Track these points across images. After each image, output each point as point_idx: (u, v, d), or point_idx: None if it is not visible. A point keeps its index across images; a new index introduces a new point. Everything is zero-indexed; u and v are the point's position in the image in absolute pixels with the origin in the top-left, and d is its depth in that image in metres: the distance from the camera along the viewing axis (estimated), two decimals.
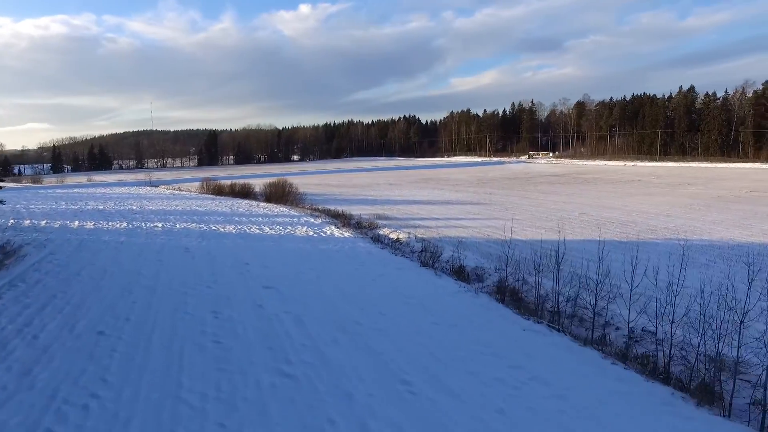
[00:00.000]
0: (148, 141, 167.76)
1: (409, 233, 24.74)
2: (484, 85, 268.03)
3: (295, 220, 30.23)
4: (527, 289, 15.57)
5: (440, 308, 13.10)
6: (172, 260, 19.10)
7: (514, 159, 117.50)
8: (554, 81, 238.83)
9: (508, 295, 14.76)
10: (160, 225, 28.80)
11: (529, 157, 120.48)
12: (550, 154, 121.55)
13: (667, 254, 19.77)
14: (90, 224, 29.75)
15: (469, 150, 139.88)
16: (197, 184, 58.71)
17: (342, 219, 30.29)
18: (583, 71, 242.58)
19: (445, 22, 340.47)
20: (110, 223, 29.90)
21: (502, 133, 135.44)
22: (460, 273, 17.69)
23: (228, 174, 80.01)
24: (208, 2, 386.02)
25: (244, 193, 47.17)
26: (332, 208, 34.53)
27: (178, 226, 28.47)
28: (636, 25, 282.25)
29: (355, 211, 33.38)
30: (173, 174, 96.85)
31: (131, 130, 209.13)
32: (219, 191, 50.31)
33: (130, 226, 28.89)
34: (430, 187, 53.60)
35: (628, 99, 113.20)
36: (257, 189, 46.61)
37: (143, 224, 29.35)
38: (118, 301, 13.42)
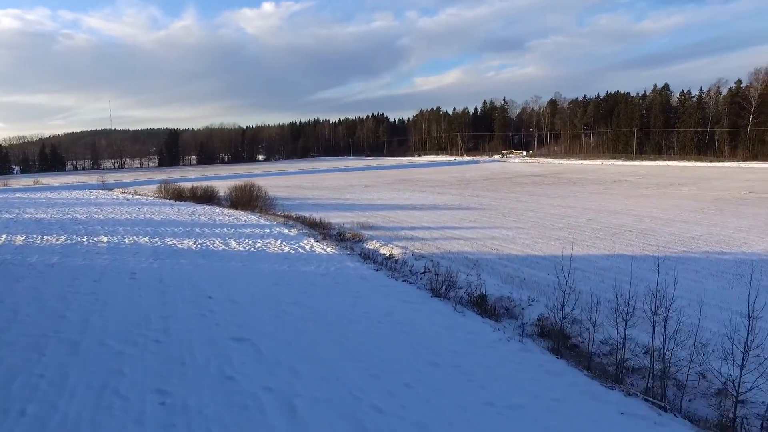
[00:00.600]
0: (105, 141, 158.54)
1: (403, 248, 21.00)
2: (447, 84, 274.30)
3: (267, 231, 26.05)
4: (578, 330, 12.11)
5: (485, 373, 9.38)
6: (111, 293, 14.77)
7: (487, 158, 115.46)
8: (516, 80, 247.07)
9: (560, 341, 11.22)
10: (105, 240, 24.18)
11: (502, 156, 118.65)
12: (524, 153, 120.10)
13: (719, 274, 16.71)
14: (20, 239, 24.87)
15: (440, 149, 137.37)
16: (155, 187, 53.43)
17: (321, 229, 26.32)
18: (545, 71, 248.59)
19: (409, 21, 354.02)
20: (45, 238, 25.09)
21: (473, 132, 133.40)
22: (482, 305, 14.06)
23: (190, 176, 74.46)
24: None
25: (207, 197, 42.47)
26: (307, 215, 30.48)
27: (126, 240, 23.91)
28: (595, 27, 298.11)
29: (333, 218, 29.43)
30: (130, 176, 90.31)
31: (88, 130, 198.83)
32: (179, 195, 45.35)
33: (69, 241, 24.18)
34: (409, 189, 49.96)
35: (602, 97, 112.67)
36: (221, 193, 42.00)
37: (85, 238, 24.67)
38: (17, 374, 9.16)
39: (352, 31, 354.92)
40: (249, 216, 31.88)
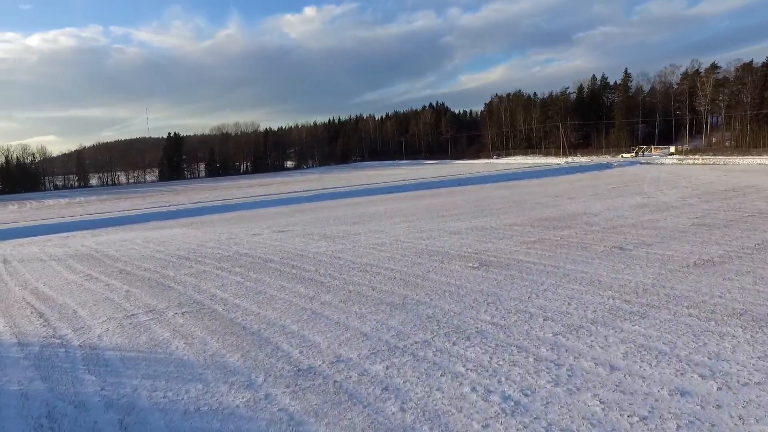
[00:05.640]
0: (119, 151, 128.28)
1: None
2: (493, 82, 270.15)
3: None
4: None
5: None
6: None
7: (615, 159, 73.68)
8: (563, 75, 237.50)
9: None
10: None
11: (636, 154, 76.59)
12: (670, 149, 77.14)
13: None
14: None
15: (529, 147, 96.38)
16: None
17: None
18: (594, 63, 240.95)
19: (451, 18, 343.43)
20: None
21: (579, 121, 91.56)
22: None
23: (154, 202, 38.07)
24: (213, 8, 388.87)
25: None
26: None
27: None
28: (645, 15, 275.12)
29: None
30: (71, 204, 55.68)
31: (122, 139, 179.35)
32: None
33: None
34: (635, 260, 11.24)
35: None
36: None
37: None
38: None
39: (394, 31, 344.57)
40: None
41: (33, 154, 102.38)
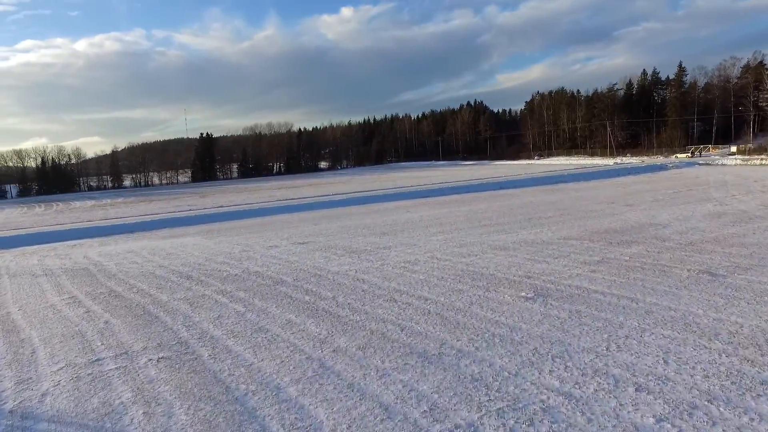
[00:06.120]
0: (155, 152, 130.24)
1: None
2: (531, 81, 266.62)
3: None
4: None
5: None
6: None
7: (673, 160, 68.74)
8: (604, 72, 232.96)
9: None
10: None
11: (692, 154, 71.29)
12: (732, 149, 71.39)
13: None
14: None
15: (573, 147, 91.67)
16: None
17: None
18: (636, 60, 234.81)
19: (489, 17, 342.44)
20: None
21: (627, 119, 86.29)
22: None
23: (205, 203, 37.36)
24: (251, 10, 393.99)
25: None
26: None
27: None
28: (691, 9, 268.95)
29: None
30: (101, 206, 55.99)
31: (161, 140, 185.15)
32: None
33: None
34: None
35: None
36: None
37: None
38: None
39: (432, 30, 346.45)
40: None
41: (68, 155, 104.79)
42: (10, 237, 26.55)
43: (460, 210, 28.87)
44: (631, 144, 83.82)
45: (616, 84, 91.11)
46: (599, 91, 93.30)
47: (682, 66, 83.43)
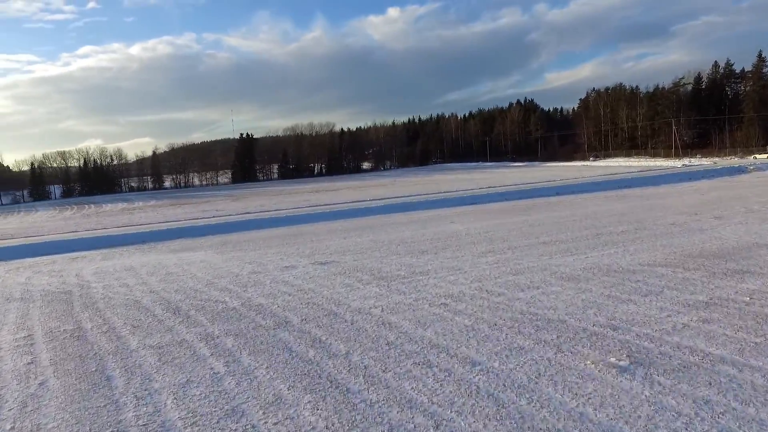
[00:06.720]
0: (200, 153, 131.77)
1: None
2: (581, 79, 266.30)
3: None
4: None
5: None
6: None
7: (752, 161, 61.85)
8: (657, 70, 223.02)
9: None
10: None
11: None
12: None
13: None
14: None
15: (633, 147, 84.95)
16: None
17: None
18: (693, 56, 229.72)
19: (537, 14, 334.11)
20: None
21: (696, 116, 78.91)
22: None
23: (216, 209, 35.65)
24: (299, 12, 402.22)
25: None
26: None
27: None
28: (756, 1, 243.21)
29: None
30: (131, 210, 55.39)
31: (208, 140, 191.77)
32: None
33: None
34: None
35: None
36: None
37: None
38: None
39: (479, 30, 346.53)
40: None
41: (111, 156, 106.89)
42: (16, 247, 25.04)
43: (512, 221, 25.18)
44: (699, 144, 76.61)
45: (682, 78, 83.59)
46: (662, 87, 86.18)
47: (762, 56, 74.76)
